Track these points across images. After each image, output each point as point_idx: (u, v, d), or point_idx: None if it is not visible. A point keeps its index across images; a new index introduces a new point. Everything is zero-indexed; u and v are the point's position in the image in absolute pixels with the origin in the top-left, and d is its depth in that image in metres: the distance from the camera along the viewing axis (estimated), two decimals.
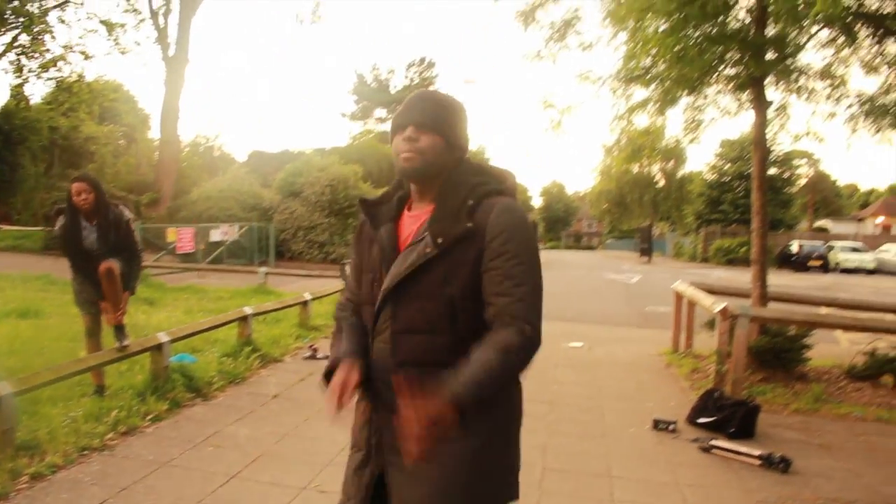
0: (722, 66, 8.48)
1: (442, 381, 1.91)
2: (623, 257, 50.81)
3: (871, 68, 8.75)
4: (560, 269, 33.43)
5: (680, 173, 50.53)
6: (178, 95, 27.36)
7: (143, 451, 4.88)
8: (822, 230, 49.17)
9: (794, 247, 37.78)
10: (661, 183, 51.57)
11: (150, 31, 26.84)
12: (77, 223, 5.62)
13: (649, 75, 8.52)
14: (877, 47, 8.54)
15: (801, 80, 8.66)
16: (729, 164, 43.11)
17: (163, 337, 6.16)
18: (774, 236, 41.10)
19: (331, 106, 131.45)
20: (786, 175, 44.78)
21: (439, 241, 2.03)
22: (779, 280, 21.06)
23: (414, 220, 2.17)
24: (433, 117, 2.10)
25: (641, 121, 10.06)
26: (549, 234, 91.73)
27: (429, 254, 2.03)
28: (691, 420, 6.34)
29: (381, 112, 59.05)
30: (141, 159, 30.35)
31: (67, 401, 5.59)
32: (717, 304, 7.60)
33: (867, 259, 36.60)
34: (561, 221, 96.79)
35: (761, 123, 8.51)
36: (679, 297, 10.02)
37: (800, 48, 8.18)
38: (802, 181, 50.72)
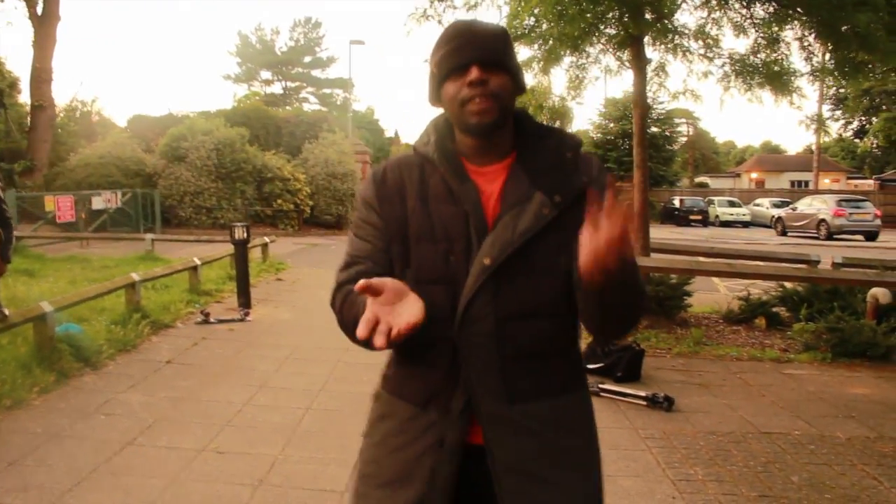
0: (602, 26, 8.72)
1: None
2: None
3: (741, 30, 9.15)
4: None
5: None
6: (49, 56, 25.81)
7: (31, 423, 4.72)
8: (703, 186, 51.26)
9: (677, 202, 39.39)
10: None
11: None
12: None
13: (533, 34, 8.66)
14: (745, 10, 8.94)
15: (677, 40, 8.99)
16: (613, 124, 44.25)
17: (46, 306, 5.92)
18: (657, 192, 42.74)
19: (212, 68, 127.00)
20: (667, 133, 46.36)
21: (557, 199, 1.62)
22: (662, 234, 22.01)
23: (490, 177, 1.68)
24: (500, 51, 1.63)
25: (527, 80, 10.23)
26: None
27: (547, 216, 1.60)
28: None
29: (266, 74, 57.64)
30: (11, 125, 28.71)
31: None
32: None
33: (742, 212, 38.68)
34: None
35: (641, 82, 8.79)
36: None
37: (675, 8, 8.49)
38: (683, 139, 52.67)
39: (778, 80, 9.19)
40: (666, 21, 8.26)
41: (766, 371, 6.81)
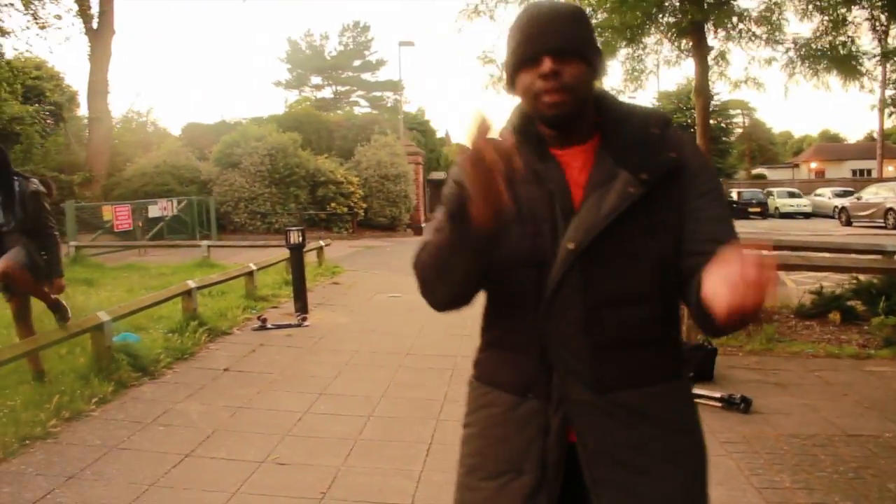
0: (661, 14, 8.43)
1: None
2: None
3: (804, 14, 8.78)
4: None
5: None
6: (105, 69, 26.29)
7: (90, 435, 4.64)
8: (761, 177, 50.13)
9: (734, 195, 38.48)
10: None
11: (70, 3, 25.60)
12: None
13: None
14: None
15: (740, 25, 8.66)
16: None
17: (103, 316, 5.88)
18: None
19: (263, 75, 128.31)
20: (723, 125, 45.43)
21: (643, 176, 1.51)
22: None
23: (573, 157, 1.59)
24: (573, 38, 1.53)
25: None
26: None
27: (633, 195, 1.50)
28: None
29: (316, 79, 58.04)
30: (71, 138, 29.28)
31: (3, 390, 5.28)
32: None
33: (803, 203, 37.63)
34: None
35: (703, 71, 8.50)
36: None
37: None
38: (738, 131, 51.55)
39: (847, 63, 8.80)
40: (729, 4, 7.93)
41: (846, 368, 6.44)
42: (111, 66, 27.39)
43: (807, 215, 36.46)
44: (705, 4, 7.60)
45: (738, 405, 5.26)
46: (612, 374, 1.53)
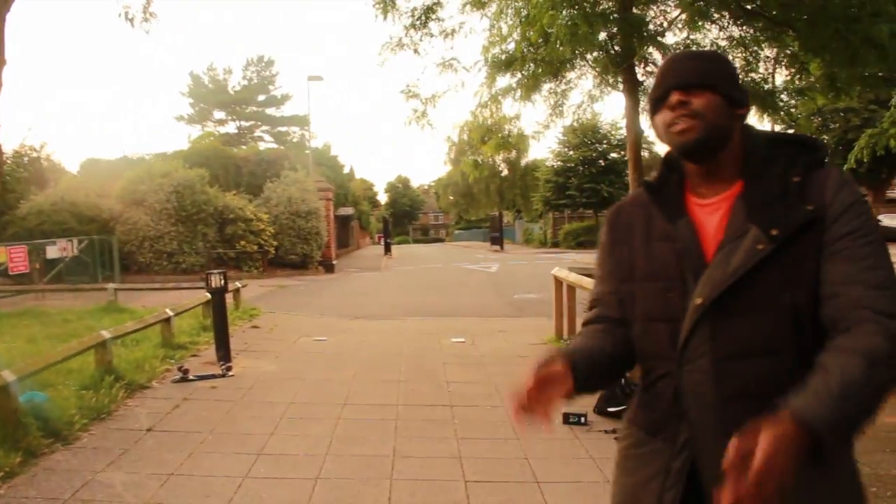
0: (591, 50, 8.38)
1: (777, 407, 1.36)
2: (474, 247, 51.46)
3: (724, 51, 8.89)
4: (417, 262, 33.37)
5: (524, 161, 51.65)
6: None
7: None
8: None
9: None
10: (506, 172, 52.55)
11: None
12: None
13: (517, 60, 8.28)
14: (722, 32, 8.68)
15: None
16: (573, 151, 44.21)
17: (8, 376, 5.21)
18: None
19: (164, 109, 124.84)
20: (626, 158, 46.48)
21: (774, 233, 1.53)
22: None
23: (711, 209, 1.67)
24: (700, 72, 1.63)
25: (507, 108, 9.88)
26: (397, 228, 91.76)
27: (762, 251, 1.53)
28: (600, 410, 6.10)
29: (219, 114, 56.72)
30: None
31: None
32: None
33: None
34: (408, 215, 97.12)
35: (633, 106, 8.45)
36: (559, 283, 9.86)
37: (664, 29, 8.19)
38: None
39: (768, 99, 8.94)
40: (658, 39, 7.93)
41: None
42: (1, 99, 25.96)
43: None
44: (635, 39, 7.55)
45: None
46: (740, 424, 1.41)
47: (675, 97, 1.62)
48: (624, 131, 43.25)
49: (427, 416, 6.12)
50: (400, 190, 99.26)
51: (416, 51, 9.24)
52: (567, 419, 5.88)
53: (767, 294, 1.54)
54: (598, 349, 1.77)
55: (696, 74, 1.62)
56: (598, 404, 6.14)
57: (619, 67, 8.05)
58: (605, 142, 44.19)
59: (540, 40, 7.52)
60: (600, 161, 43.94)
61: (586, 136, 42.86)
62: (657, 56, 8.33)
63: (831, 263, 1.52)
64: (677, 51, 1.68)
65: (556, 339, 9.64)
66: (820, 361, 1.44)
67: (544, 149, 60.98)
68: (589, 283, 8.61)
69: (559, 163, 45.20)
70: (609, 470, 4.79)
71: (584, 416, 5.91)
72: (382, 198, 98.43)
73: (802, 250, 1.53)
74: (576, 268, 10.42)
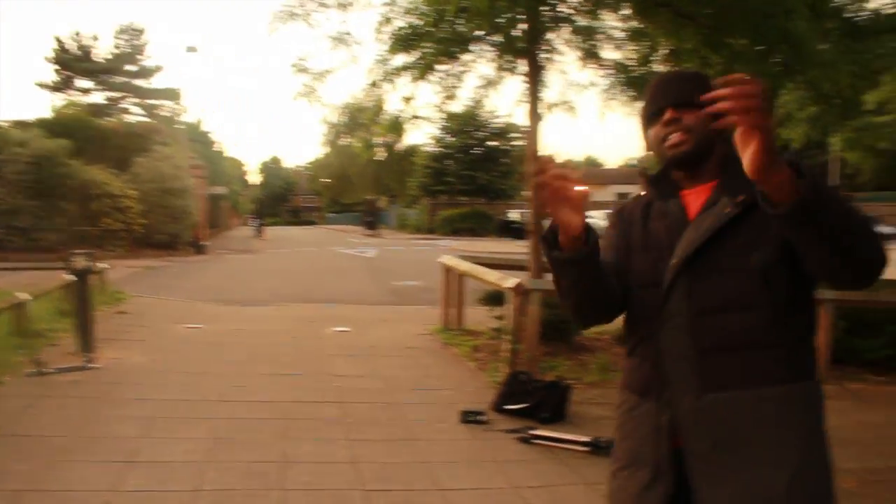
0: (486, 31, 8.10)
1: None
2: (348, 231, 50.64)
3: (617, 46, 8.82)
4: (291, 245, 32.51)
5: (402, 145, 51.30)
6: None
7: None
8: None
9: (516, 215, 39.78)
10: (383, 155, 52.06)
11: None
12: None
13: (419, 36, 7.90)
14: (622, 22, 8.58)
15: (566, 49, 8.51)
16: (453, 138, 44.20)
17: None
18: (496, 206, 43.17)
19: (26, 75, 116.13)
20: (503, 147, 46.94)
21: (740, 198, 1.74)
22: (506, 248, 21.88)
23: (698, 194, 1.88)
24: (690, 92, 1.79)
25: (401, 88, 9.45)
26: (269, 209, 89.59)
27: (729, 213, 1.75)
28: (498, 407, 5.85)
29: (85, 83, 53.25)
30: None
31: None
32: (507, 280, 7.19)
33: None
34: (280, 197, 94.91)
35: (534, 92, 8.23)
36: (447, 271, 9.59)
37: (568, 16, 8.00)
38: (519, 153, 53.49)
39: None
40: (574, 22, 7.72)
41: None
42: None
43: None
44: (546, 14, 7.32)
45: (606, 449, 4.88)
46: (715, 377, 1.75)
47: (668, 114, 1.84)
48: (503, 119, 44.03)
49: (316, 415, 5.68)
50: (273, 170, 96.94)
51: (307, 22, 8.69)
52: (465, 417, 5.60)
53: (737, 254, 1.74)
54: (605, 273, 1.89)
55: (687, 94, 1.81)
56: (497, 401, 5.90)
57: (524, 51, 7.78)
58: (484, 129, 44.39)
59: (447, 17, 7.19)
60: (479, 148, 44.16)
61: (467, 124, 42.85)
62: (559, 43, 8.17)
63: None
64: (664, 71, 1.93)
65: (443, 329, 9.37)
66: None
67: (422, 133, 60.86)
68: (480, 272, 8.37)
69: (438, 148, 45.11)
70: (515, 473, 4.54)
71: (483, 413, 5.65)
72: (255, 178, 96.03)
73: (764, 218, 1.61)
74: (466, 256, 10.17)
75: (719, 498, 1.72)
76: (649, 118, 1.91)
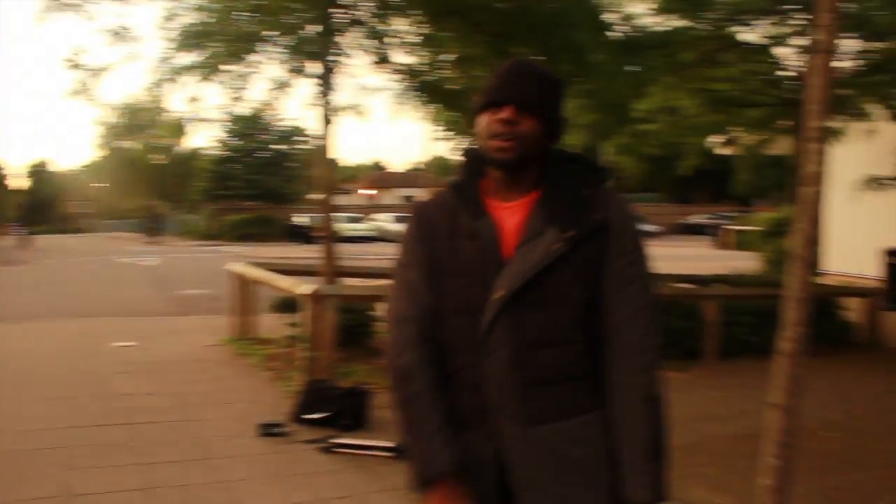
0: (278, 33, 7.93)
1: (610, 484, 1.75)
2: (127, 238, 47.72)
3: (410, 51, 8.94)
4: (64, 255, 30.10)
5: (184, 149, 49.19)
6: None
7: None
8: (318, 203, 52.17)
9: (303, 219, 39.36)
10: (164, 159, 49.69)
11: None
12: None
13: (208, 34, 7.57)
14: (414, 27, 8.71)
15: (358, 53, 8.50)
16: (238, 141, 42.89)
17: None
18: (282, 210, 42.49)
19: None
20: (288, 150, 46.28)
21: (569, 234, 1.71)
22: (295, 253, 21.62)
23: (512, 211, 1.79)
24: (539, 97, 1.75)
25: (186, 88, 9.02)
26: (38, 216, 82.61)
27: (558, 249, 1.70)
28: (298, 417, 5.71)
29: None
30: None
31: None
32: (302, 286, 7.04)
33: (366, 228, 39.87)
34: (50, 203, 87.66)
35: (326, 95, 8.14)
36: (237, 278, 9.27)
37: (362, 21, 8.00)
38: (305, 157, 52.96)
39: (453, 99, 9.13)
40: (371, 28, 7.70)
41: None
42: None
43: (371, 239, 38.48)
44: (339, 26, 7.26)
45: None
46: (538, 409, 1.73)
47: (507, 112, 1.71)
48: (290, 123, 43.35)
49: (101, 440, 5.24)
50: (42, 174, 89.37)
51: (79, 12, 8.06)
52: (264, 430, 5.40)
53: (561, 289, 1.72)
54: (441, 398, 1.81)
55: (535, 97, 1.74)
56: (296, 411, 5.75)
57: (315, 54, 7.67)
58: (270, 133, 43.49)
59: (236, 16, 6.93)
60: (265, 152, 43.23)
61: (252, 126, 41.74)
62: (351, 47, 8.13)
63: (613, 279, 1.75)
64: (523, 59, 1.63)
65: (235, 339, 9.04)
66: (615, 420, 1.75)
67: (205, 136, 58.65)
68: (273, 278, 8.15)
69: (223, 152, 43.61)
70: (319, 485, 4.44)
71: (282, 425, 5.49)
72: (21, 182, 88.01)
73: (591, 253, 1.72)
74: (256, 262, 9.86)
75: None
76: (488, 104, 1.76)
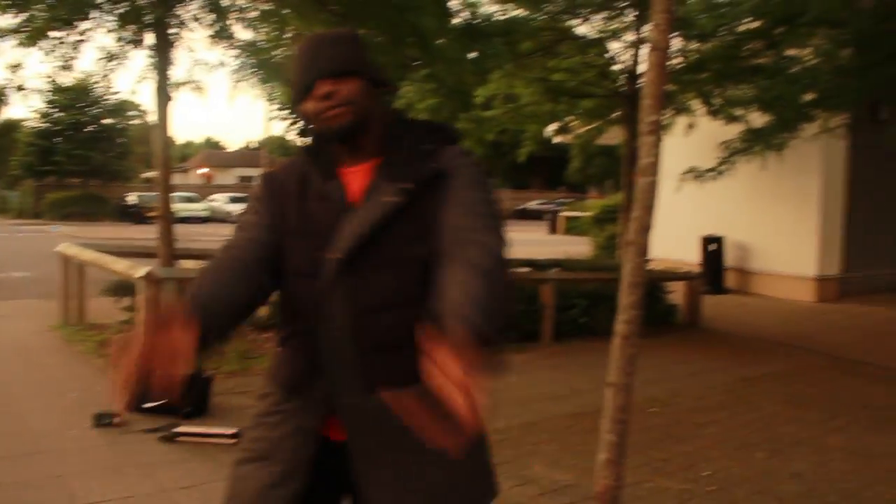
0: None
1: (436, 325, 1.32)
2: None
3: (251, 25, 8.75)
4: None
5: (1, 119, 45.66)
6: None
7: None
8: (152, 181, 50.00)
9: (133, 198, 37.58)
10: None
11: None
12: None
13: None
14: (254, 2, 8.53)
15: (197, 26, 8.21)
16: (62, 113, 40.18)
17: None
18: (112, 188, 40.40)
19: None
20: (120, 126, 43.98)
21: (403, 186, 1.64)
22: (127, 234, 20.68)
23: (358, 175, 1.74)
24: (345, 59, 1.69)
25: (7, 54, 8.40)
26: None
27: (391, 203, 1.63)
28: (135, 407, 5.50)
29: None
30: None
31: None
32: (138, 269, 6.76)
33: (201, 208, 38.71)
34: None
35: (164, 69, 7.82)
36: (67, 260, 8.78)
37: None
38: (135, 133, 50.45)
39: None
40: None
41: None
42: None
43: (204, 220, 37.17)
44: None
45: None
46: (378, 377, 1.63)
47: (323, 88, 1.66)
48: (120, 96, 41.10)
49: None
50: None
51: None
52: (99, 421, 5.18)
53: (400, 248, 1.64)
54: (231, 294, 1.64)
55: (342, 62, 1.68)
56: (133, 400, 5.54)
57: (152, 24, 7.32)
58: (98, 105, 41.07)
59: None
60: (93, 126, 40.81)
61: (79, 98, 39.22)
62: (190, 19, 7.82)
63: (447, 208, 1.61)
64: (312, 35, 1.56)
65: (64, 325, 8.57)
66: (440, 281, 1.45)
67: (25, 107, 54.62)
68: (106, 260, 7.79)
69: (45, 124, 40.74)
70: (162, 476, 4.34)
71: (117, 416, 5.28)
72: None
73: (430, 205, 1.63)
74: (86, 243, 9.37)
75: (384, 496, 1.68)
76: (302, 91, 1.70)
